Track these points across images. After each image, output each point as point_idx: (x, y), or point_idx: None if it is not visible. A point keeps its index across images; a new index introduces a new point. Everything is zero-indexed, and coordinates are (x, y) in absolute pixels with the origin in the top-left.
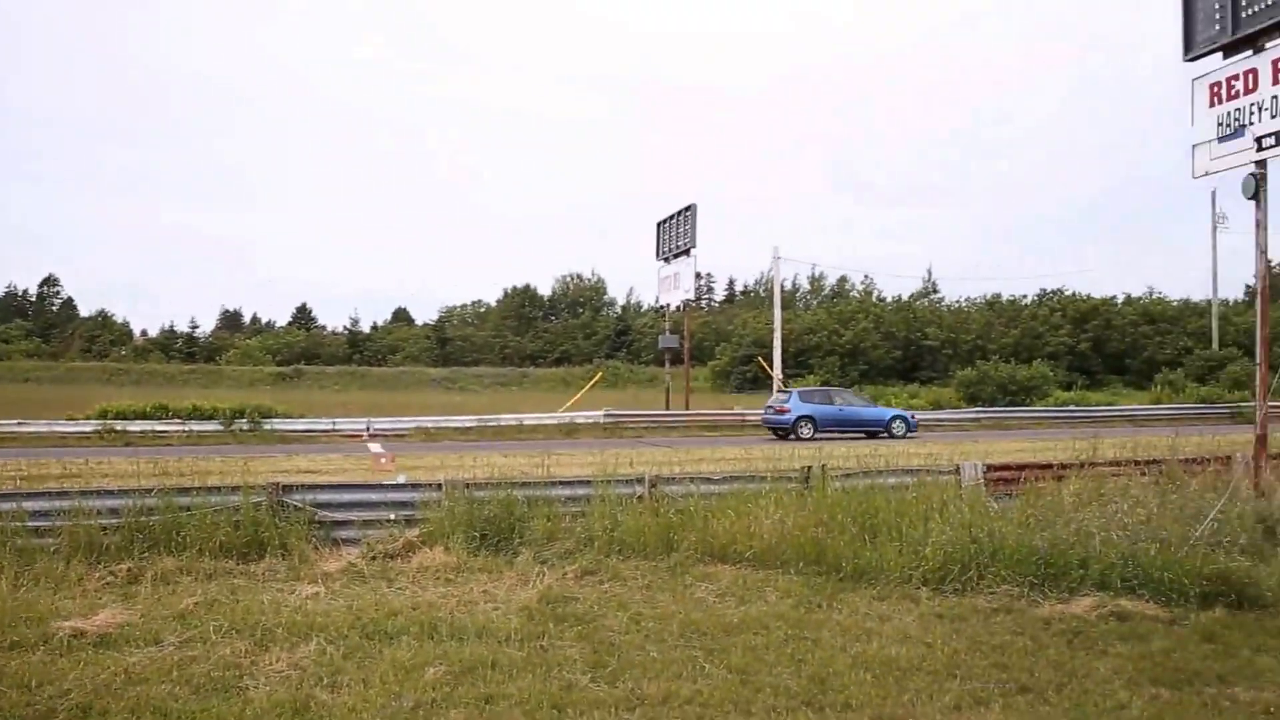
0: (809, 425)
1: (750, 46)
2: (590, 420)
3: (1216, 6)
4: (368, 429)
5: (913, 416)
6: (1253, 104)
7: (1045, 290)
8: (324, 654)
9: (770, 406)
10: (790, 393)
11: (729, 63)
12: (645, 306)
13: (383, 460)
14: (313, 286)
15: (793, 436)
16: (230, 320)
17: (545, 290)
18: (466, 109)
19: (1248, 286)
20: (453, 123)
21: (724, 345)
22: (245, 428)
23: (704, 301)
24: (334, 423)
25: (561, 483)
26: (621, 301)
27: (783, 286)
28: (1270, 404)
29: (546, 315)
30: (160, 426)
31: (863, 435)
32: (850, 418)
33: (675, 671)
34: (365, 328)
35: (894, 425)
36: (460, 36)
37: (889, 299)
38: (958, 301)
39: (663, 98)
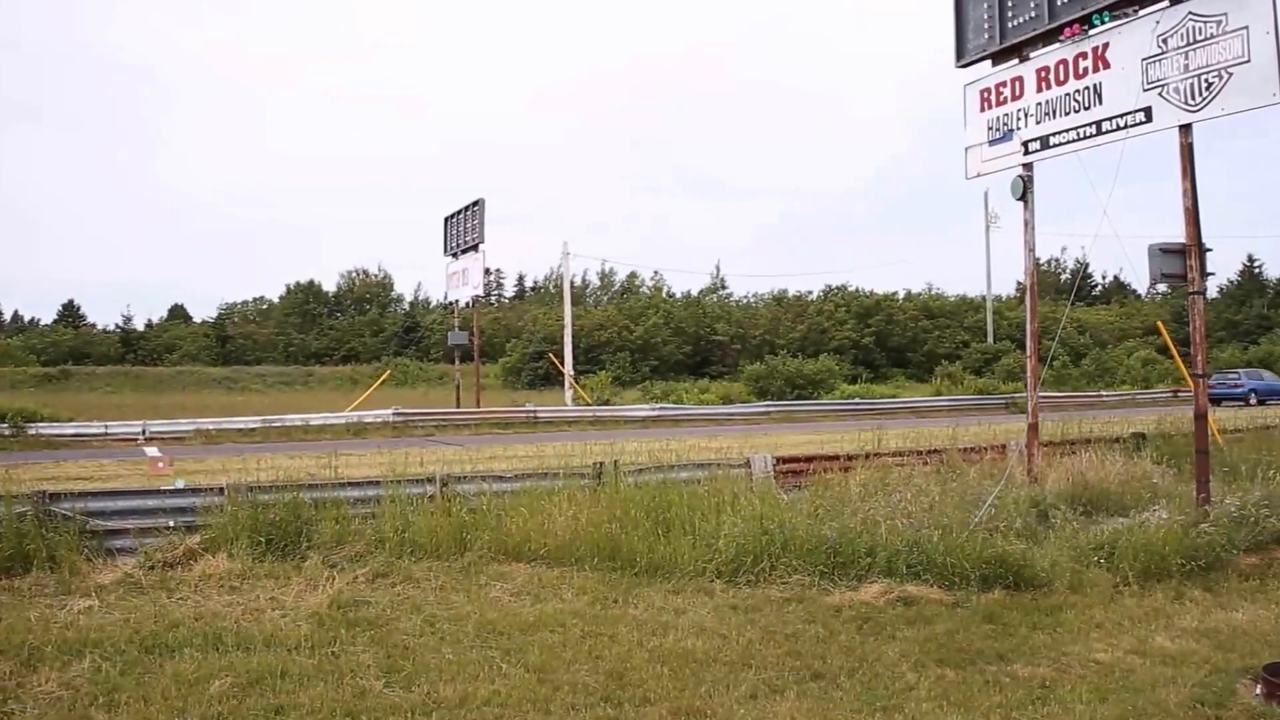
0: (1254, 395)
1: (547, 41)
2: (379, 420)
3: (985, 17)
4: (144, 432)
5: None
6: (1020, 110)
7: (830, 286)
8: (99, 671)
9: (1221, 382)
10: (1238, 372)
11: (521, 56)
12: (434, 303)
13: (160, 464)
14: (80, 282)
15: (1241, 404)
16: None
17: (330, 286)
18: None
19: (1019, 283)
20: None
21: (515, 342)
22: (7, 432)
23: (494, 298)
24: (106, 426)
25: (350, 484)
26: (409, 298)
27: (573, 282)
28: (1040, 394)
29: (332, 312)
30: None
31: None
32: (1275, 388)
33: (472, 673)
34: (139, 325)
35: None
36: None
37: (679, 295)
38: (746, 298)
39: (461, 90)
